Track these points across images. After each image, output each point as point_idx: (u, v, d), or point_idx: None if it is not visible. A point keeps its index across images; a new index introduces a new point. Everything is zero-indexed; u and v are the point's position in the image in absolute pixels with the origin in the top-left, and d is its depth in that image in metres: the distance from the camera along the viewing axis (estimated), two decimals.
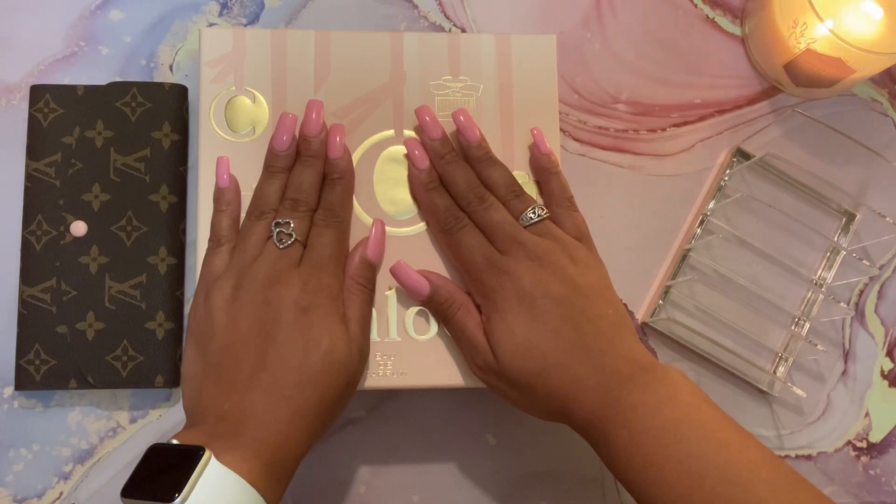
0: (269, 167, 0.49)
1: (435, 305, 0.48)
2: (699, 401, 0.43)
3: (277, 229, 0.46)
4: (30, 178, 0.53)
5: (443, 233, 0.49)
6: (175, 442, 0.39)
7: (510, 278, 0.46)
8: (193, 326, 0.45)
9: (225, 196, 0.49)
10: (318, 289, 0.45)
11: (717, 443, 0.41)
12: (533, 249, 0.46)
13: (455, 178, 0.49)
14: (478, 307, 0.48)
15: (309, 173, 0.48)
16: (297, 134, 0.49)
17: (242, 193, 0.50)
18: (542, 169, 0.51)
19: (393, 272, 0.49)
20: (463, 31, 0.59)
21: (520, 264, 0.46)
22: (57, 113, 0.53)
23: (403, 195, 0.51)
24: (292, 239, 0.46)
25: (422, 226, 0.51)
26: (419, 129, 0.51)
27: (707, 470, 0.41)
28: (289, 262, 0.46)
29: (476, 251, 0.47)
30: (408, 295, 0.49)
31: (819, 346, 0.57)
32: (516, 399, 0.47)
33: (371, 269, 0.48)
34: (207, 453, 0.38)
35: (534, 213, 0.48)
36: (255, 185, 0.49)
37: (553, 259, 0.46)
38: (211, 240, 0.48)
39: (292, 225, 0.46)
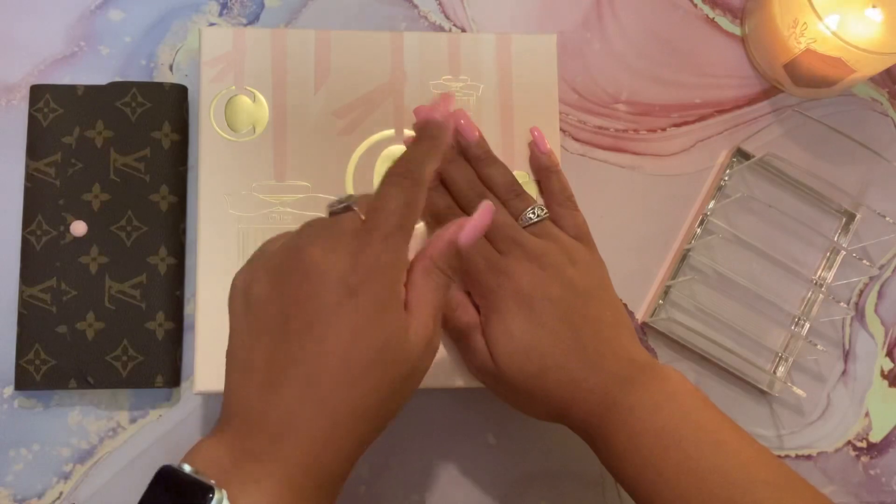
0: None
1: None
2: (698, 402, 0.43)
3: (338, 202, 0.39)
4: (30, 178, 0.53)
5: None
6: (187, 468, 0.34)
7: (509, 279, 0.46)
8: (233, 310, 0.39)
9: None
10: (373, 268, 0.37)
11: (715, 444, 0.41)
12: (532, 250, 0.46)
13: (455, 177, 0.49)
14: (476, 308, 0.48)
15: (420, 148, 0.41)
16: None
17: (242, 193, 0.49)
18: (542, 168, 0.51)
19: None
20: (463, 30, 0.59)
21: (519, 265, 0.46)
22: (57, 113, 0.53)
23: None
24: (343, 205, 0.39)
25: (421, 225, 0.51)
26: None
27: (705, 471, 0.41)
28: (338, 231, 0.38)
29: (475, 251, 0.47)
30: None
31: (819, 346, 0.57)
32: (514, 400, 0.47)
33: (458, 257, 0.41)
34: (218, 496, 0.33)
35: (533, 213, 0.48)
36: (255, 185, 0.49)
37: (552, 260, 0.46)
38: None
39: (355, 196, 0.39)
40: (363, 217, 0.38)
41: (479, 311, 0.47)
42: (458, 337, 0.48)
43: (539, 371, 0.44)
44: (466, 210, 0.48)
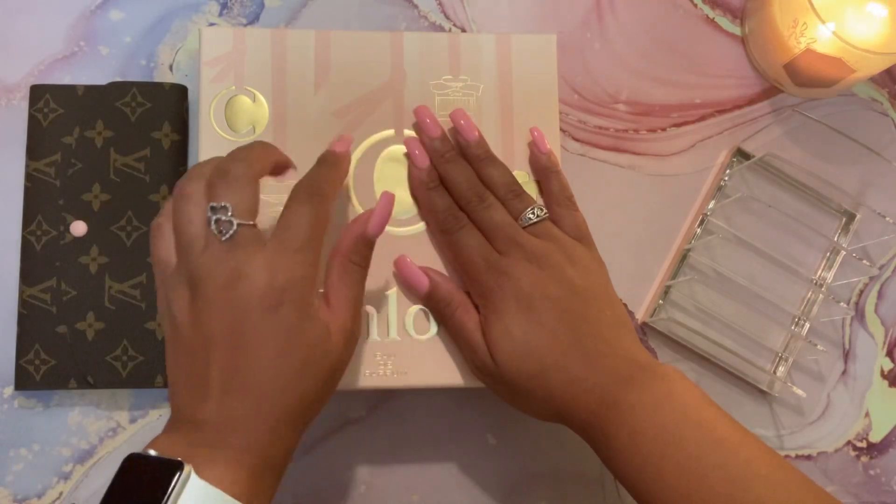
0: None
1: (433, 303, 0.48)
2: (698, 400, 0.43)
3: (214, 216, 0.39)
4: (30, 178, 0.53)
5: (442, 232, 0.49)
6: (153, 453, 0.37)
7: (508, 279, 0.46)
8: (163, 327, 0.42)
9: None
10: (288, 283, 0.39)
11: (716, 441, 0.41)
12: (532, 251, 0.46)
13: (455, 177, 0.49)
14: (476, 308, 0.48)
15: (257, 145, 0.42)
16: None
17: None
18: (542, 168, 0.51)
19: (396, 266, 0.49)
20: (463, 30, 0.59)
21: (518, 265, 0.46)
22: (57, 113, 0.53)
23: (404, 195, 0.51)
24: (234, 227, 0.39)
25: (422, 226, 0.51)
26: (418, 129, 0.51)
27: (706, 469, 0.41)
28: (243, 255, 0.39)
29: (475, 251, 0.47)
30: (408, 291, 0.49)
31: (819, 346, 0.57)
32: (515, 400, 0.47)
33: (370, 246, 0.44)
34: (187, 469, 0.35)
35: (533, 213, 0.48)
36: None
37: (551, 261, 0.46)
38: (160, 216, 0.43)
39: (230, 209, 0.39)
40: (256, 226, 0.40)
41: (478, 311, 0.47)
42: (458, 336, 0.48)
43: (539, 371, 0.44)
44: (466, 210, 0.48)
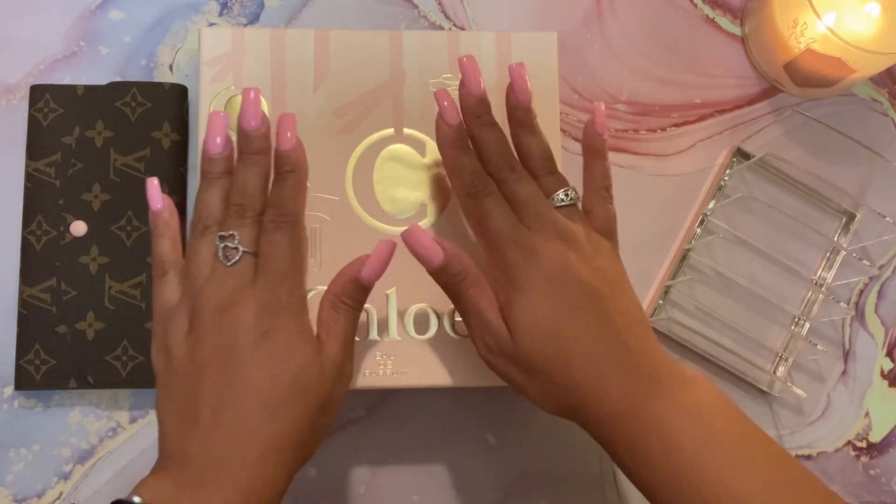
0: (206, 174, 0.44)
1: (447, 277, 0.44)
2: (731, 412, 0.41)
3: (223, 244, 0.42)
4: (30, 178, 0.53)
5: (468, 196, 0.45)
6: (137, 500, 0.37)
7: (536, 256, 0.42)
8: (156, 366, 0.42)
9: (161, 219, 0.45)
10: (279, 309, 0.41)
11: (750, 462, 0.40)
12: (563, 230, 0.43)
13: (488, 142, 0.45)
14: (490, 286, 0.45)
15: (253, 173, 0.43)
16: (231, 134, 0.45)
17: None
18: (591, 148, 0.47)
19: (405, 238, 0.44)
20: (463, 31, 0.59)
21: (548, 243, 0.43)
22: (57, 113, 0.53)
23: (403, 194, 0.51)
24: (239, 253, 0.42)
25: (421, 225, 0.50)
26: (462, 82, 0.46)
27: (743, 493, 0.39)
28: (242, 281, 0.42)
29: (502, 221, 0.43)
30: (419, 261, 0.44)
31: (819, 346, 0.57)
32: (526, 386, 0.44)
33: (364, 290, 0.44)
34: None
35: (566, 194, 0.44)
36: None
37: (582, 245, 0.43)
38: (154, 268, 0.44)
39: (237, 237, 0.42)
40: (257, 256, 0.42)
41: (492, 288, 0.44)
42: (470, 313, 0.44)
43: (561, 356, 0.42)
44: (495, 178, 0.45)
